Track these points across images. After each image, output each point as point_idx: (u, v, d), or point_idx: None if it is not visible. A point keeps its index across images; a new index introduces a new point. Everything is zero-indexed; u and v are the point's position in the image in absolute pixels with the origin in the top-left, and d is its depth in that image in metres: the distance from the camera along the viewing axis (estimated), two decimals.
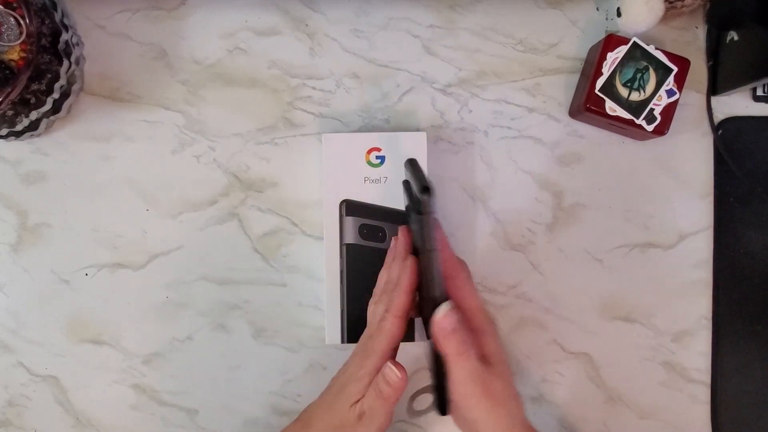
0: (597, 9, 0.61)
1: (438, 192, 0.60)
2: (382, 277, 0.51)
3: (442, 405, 0.46)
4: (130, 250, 0.60)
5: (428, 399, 0.47)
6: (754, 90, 0.61)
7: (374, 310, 0.49)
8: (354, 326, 0.56)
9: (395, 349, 0.48)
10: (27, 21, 0.50)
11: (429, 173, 0.56)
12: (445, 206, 0.60)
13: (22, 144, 0.60)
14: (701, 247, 0.61)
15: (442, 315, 0.43)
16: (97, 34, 0.60)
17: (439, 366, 0.45)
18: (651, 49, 0.56)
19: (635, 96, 0.56)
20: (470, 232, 0.61)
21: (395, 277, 0.47)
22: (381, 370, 0.46)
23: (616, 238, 0.61)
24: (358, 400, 0.46)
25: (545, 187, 0.61)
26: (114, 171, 0.60)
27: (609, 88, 0.56)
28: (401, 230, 0.49)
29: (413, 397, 0.49)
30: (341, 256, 0.56)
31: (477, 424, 0.45)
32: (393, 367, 0.46)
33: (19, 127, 0.56)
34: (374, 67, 0.61)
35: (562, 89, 0.61)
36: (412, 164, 0.47)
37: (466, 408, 0.45)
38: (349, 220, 0.56)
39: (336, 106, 0.61)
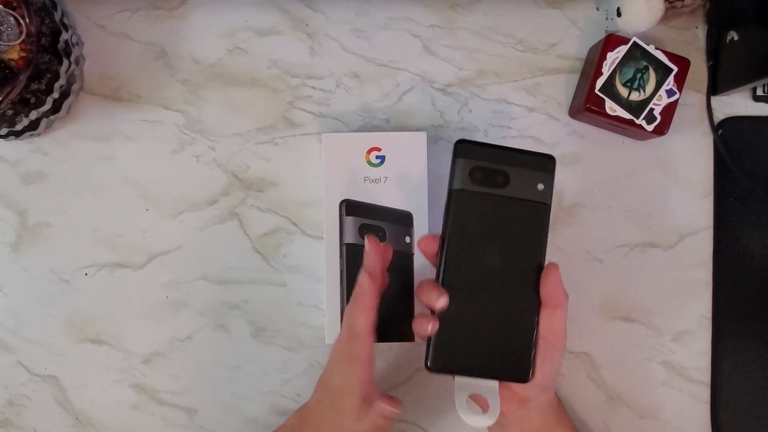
0: (597, 9, 0.61)
1: (438, 192, 0.60)
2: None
3: (527, 368, 0.44)
4: (130, 250, 0.60)
5: (481, 402, 0.45)
6: (754, 90, 0.61)
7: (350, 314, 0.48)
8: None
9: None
10: (27, 20, 0.50)
11: (429, 174, 0.56)
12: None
13: (21, 144, 0.60)
14: (701, 247, 0.61)
15: (555, 264, 0.44)
16: (97, 34, 0.60)
17: (525, 329, 0.44)
18: (651, 49, 0.56)
19: (635, 96, 0.56)
20: None
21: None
22: (376, 406, 0.46)
23: (616, 238, 0.61)
24: (358, 415, 0.46)
25: None
26: (114, 171, 0.60)
27: (609, 88, 0.56)
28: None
29: (464, 402, 0.45)
30: (341, 256, 0.56)
31: (555, 376, 0.46)
32: (387, 406, 0.46)
33: (18, 127, 0.56)
34: (374, 66, 0.61)
35: (562, 89, 0.61)
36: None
37: (554, 360, 0.44)
38: (349, 220, 0.56)
39: (336, 106, 0.61)
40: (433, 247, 0.45)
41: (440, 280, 0.44)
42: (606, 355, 0.61)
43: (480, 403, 0.44)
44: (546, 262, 0.45)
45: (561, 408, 0.53)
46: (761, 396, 0.60)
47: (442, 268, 0.44)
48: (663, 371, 0.60)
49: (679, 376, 0.60)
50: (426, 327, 0.43)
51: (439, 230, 0.60)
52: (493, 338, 0.44)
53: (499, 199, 0.44)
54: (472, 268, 0.44)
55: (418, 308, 0.56)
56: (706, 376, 0.60)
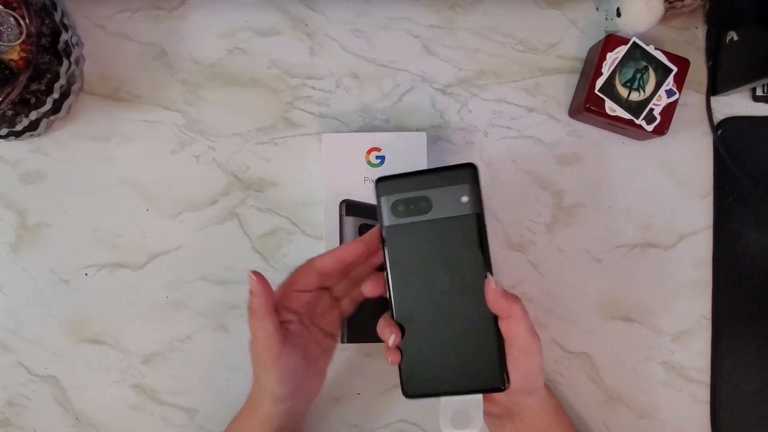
0: (597, 9, 0.61)
1: None
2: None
3: (499, 376, 0.44)
4: (130, 250, 0.60)
5: (466, 414, 0.45)
6: (754, 90, 0.61)
7: None
8: (354, 326, 0.56)
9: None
10: (27, 21, 0.50)
11: None
12: None
13: (21, 144, 0.60)
14: (701, 247, 0.61)
15: (496, 281, 0.44)
16: (97, 34, 0.60)
17: (489, 341, 0.44)
18: (651, 49, 0.56)
19: (635, 96, 0.56)
20: None
21: None
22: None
23: (616, 238, 0.61)
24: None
25: (545, 187, 0.61)
26: (114, 171, 0.60)
27: (609, 88, 0.56)
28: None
29: (448, 420, 0.45)
30: None
31: (536, 379, 0.46)
32: (251, 275, 0.47)
33: (18, 127, 0.56)
34: (374, 67, 0.61)
35: (561, 89, 0.61)
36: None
37: (528, 364, 0.45)
38: (349, 220, 0.56)
39: (336, 106, 0.61)
40: (378, 288, 0.47)
41: (393, 315, 0.45)
42: (606, 355, 0.61)
43: (463, 419, 0.45)
44: (488, 273, 0.45)
45: (558, 409, 0.53)
46: (761, 396, 0.60)
47: (392, 303, 0.45)
48: (663, 371, 0.61)
49: (679, 376, 0.60)
50: (389, 359, 0.45)
51: None
52: (459, 355, 0.45)
53: (427, 225, 0.45)
54: (422, 294, 0.45)
55: None
56: (706, 377, 0.60)
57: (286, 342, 0.47)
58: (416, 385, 0.45)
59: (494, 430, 0.52)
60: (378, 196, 0.45)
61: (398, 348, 0.45)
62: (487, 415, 0.50)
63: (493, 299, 0.43)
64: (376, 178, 0.46)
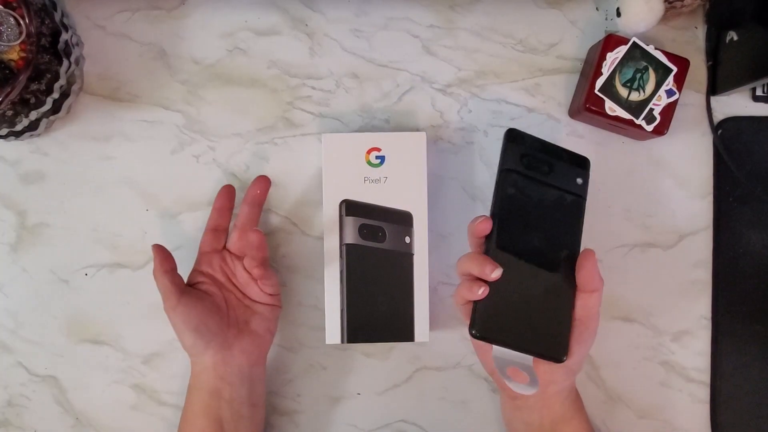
0: (597, 9, 0.61)
1: (438, 192, 0.60)
2: None
3: (563, 348, 0.46)
4: (130, 250, 0.60)
5: (519, 374, 0.47)
6: (754, 90, 0.61)
7: None
8: (354, 326, 0.56)
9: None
10: (27, 21, 0.50)
11: (428, 174, 0.56)
12: (445, 206, 0.60)
13: (21, 144, 0.60)
14: (701, 247, 0.61)
15: (591, 251, 0.47)
16: (97, 34, 0.60)
17: (564, 311, 0.47)
18: (650, 49, 0.56)
19: (635, 96, 0.56)
20: None
21: None
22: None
23: (616, 238, 0.61)
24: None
25: None
26: (113, 171, 0.60)
27: (608, 88, 0.56)
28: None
29: (506, 371, 0.47)
30: (341, 256, 0.56)
31: (582, 362, 0.49)
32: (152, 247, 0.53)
33: (18, 127, 0.56)
34: (374, 67, 0.61)
35: (561, 89, 0.61)
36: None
37: (585, 344, 0.47)
38: (349, 220, 0.56)
39: (336, 106, 0.61)
40: (488, 226, 0.47)
41: (489, 252, 0.47)
42: (606, 355, 0.61)
43: (518, 376, 0.46)
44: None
45: (578, 398, 0.53)
46: (761, 396, 0.60)
47: (493, 241, 0.47)
48: (662, 371, 0.61)
49: (679, 376, 0.60)
50: (476, 291, 0.45)
51: (438, 230, 0.61)
52: (533, 316, 0.47)
53: (546, 187, 0.49)
54: (520, 246, 0.47)
55: (417, 308, 0.56)
56: (706, 376, 0.60)
57: (185, 296, 0.52)
58: (485, 327, 0.46)
59: (514, 415, 0.53)
60: (508, 141, 0.49)
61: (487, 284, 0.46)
62: (519, 398, 0.51)
63: (590, 271, 0.46)
64: (509, 128, 0.50)
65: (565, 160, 0.50)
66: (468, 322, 0.47)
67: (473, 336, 0.46)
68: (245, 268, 0.56)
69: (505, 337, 0.46)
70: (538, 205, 0.49)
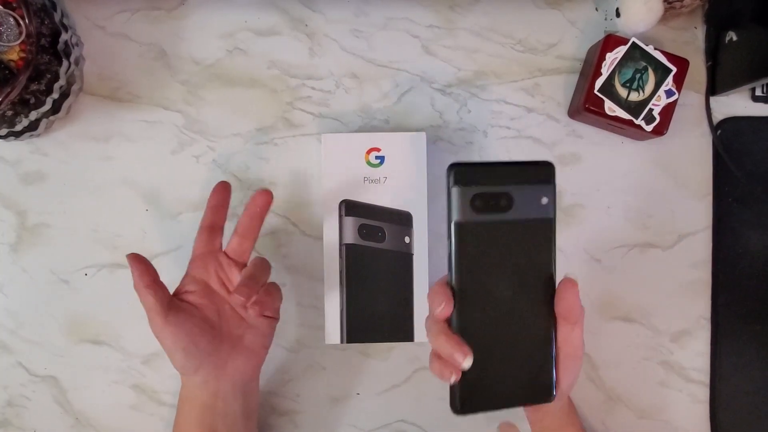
0: (596, 9, 0.61)
1: (438, 192, 0.60)
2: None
3: (551, 387, 0.43)
4: (130, 250, 0.60)
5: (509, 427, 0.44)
6: (753, 90, 0.61)
7: None
8: (353, 326, 0.56)
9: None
10: (26, 21, 0.50)
11: (428, 174, 0.56)
12: (445, 206, 0.60)
13: (21, 144, 0.60)
14: (700, 247, 0.61)
15: (572, 280, 0.43)
16: (97, 34, 0.60)
17: (545, 351, 0.43)
18: (650, 49, 0.56)
19: (634, 96, 0.56)
20: None
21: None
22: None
23: (615, 238, 0.61)
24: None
25: None
26: (113, 171, 0.60)
27: (608, 89, 0.56)
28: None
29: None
30: (341, 256, 0.56)
31: (572, 387, 0.46)
32: (127, 258, 0.50)
33: (18, 128, 0.56)
34: (373, 67, 0.61)
35: (561, 89, 0.61)
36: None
37: (573, 371, 0.44)
38: (349, 220, 0.56)
39: (335, 107, 0.61)
40: (448, 308, 0.41)
41: (454, 326, 0.41)
42: (605, 355, 0.61)
43: (507, 429, 0.44)
44: (557, 274, 0.43)
45: (571, 408, 0.53)
46: (760, 396, 0.60)
47: (455, 315, 0.41)
48: (662, 371, 0.61)
49: (678, 377, 0.60)
50: (448, 377, 0.41)
51: (438, 230, 0.60)
52: (514, 367, 0.42)
53: (504, 225, 0.41)
54: (485, 303, 0.42)
55: (417, 308, 0.56)
56: (705, 377, 0.60)
57: (173, 312, 0.48)
58: (471, 401, 0.42)
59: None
60: (453, 185, 0.40)
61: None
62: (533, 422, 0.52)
63: (571, 301, 0.42)
64: (449, 163, 0.41)
65: (524, 179, 0.41)
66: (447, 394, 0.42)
67: (459, 414, 0.42)
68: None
69: (490, 403, 0.43)
70: (500, 249, 0.41)
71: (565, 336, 0.43)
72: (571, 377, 0.45)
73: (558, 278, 0.43)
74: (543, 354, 0.43)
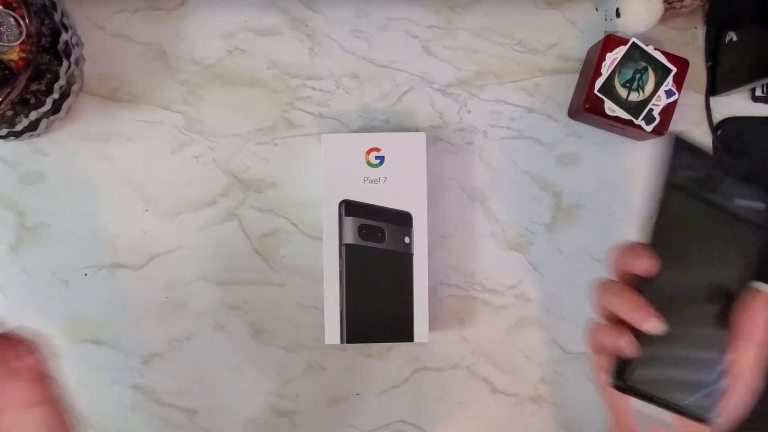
0: (596, 9, 0.61)
1: (438, 192, 0.60)
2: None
3: (713, 408, 0.39)
4: (130, 251, 0.60)
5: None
6: (753, 90, 0.61)
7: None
8: (353, 326, 0.56)
9: None
10: (27, 21, 0.50)
11: (428, 173, 0.56)
12: (444, 207, 0.60)
13: (21, 144, 0.60)
14: None
15: (760, 292, 0.38)
16: (97, 35, 0.60)
17: (715, 358, 0.38)
18: (650, 49, 0.56)
19: (634, 96, 0.56)
20: (469, 233, 0.61)
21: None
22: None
23: (616, 238, 0.61)
24: None
25: (544, 188, 0.61)
26: (113, 171, 0.60)
27: (608, 89, 0.56)
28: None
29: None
30: (341, 257, 0.56)
31: (731, 424, 0.40)
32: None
33: (18, 128, 0.56)
34: (373, 67, 0.61)
35: (561, 90, 0.61)
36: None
37: (737, 405, 0.39)
38: (349, 221, 0.56)
39: (335, 107, 0.61)
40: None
41: (646, 293, 0.38)
42: None
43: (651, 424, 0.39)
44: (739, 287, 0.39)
45: None
46: (760, 396, 0.60)
47: (653, 279, 0.38)
48: None
49: None
50: (622, 345, 0.37)
51: (437, 230, 0.60)
52: (683, 369, 0.38)
53: (714, 210, 0.38)
54: (677, 284, 0.38)
55: (417, 309, 0.56)
56: None
57: None
58: (635, 376, 0.38)
59: None
60: (676, 151, 0.38)
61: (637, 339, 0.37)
62: None
63: (755, 315, 0.37)
64: (676, 137, 0.38)
65: (739, 177, 0.39)
66: (600, 365, 0.39)
67: (617, 387, 0.38)
68: None
69: (654, 392, 0.38)
70: (710, 228, 0.39)
71: (741, 354, 0.38)
72: (733, 408, 0.39)
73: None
74: (713, 366, 0.39)
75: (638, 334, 0.37)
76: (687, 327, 0.38)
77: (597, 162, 0.61)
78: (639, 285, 0.38)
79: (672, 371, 0.38)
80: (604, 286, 0.39)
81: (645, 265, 0.37)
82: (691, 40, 0.61)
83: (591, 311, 0.61)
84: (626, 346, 0.36)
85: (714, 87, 0.60)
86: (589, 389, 0.60)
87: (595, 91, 0.56)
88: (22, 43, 0.50)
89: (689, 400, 0.38)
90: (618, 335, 0.36)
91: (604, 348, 0.38)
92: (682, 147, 0.39)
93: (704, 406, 0.38)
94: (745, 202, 0.39)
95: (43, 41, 0.52)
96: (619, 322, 0.37)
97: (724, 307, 0.38)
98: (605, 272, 0.61)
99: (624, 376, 0.37)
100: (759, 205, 0.39)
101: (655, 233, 0.39)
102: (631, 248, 0.38)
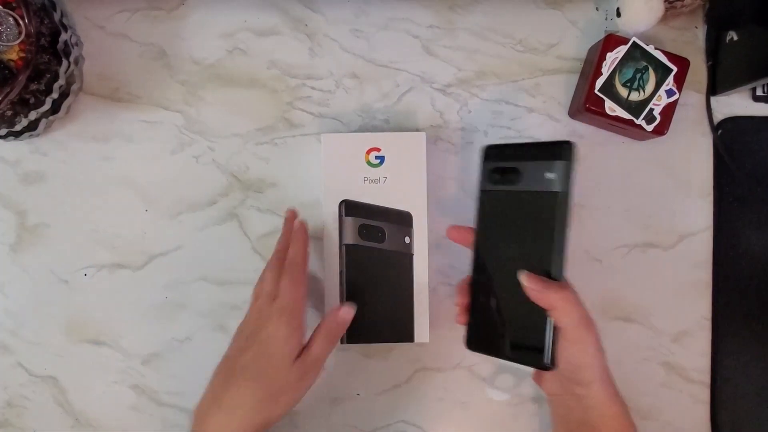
0: (596, 9, 0.61)
1: (438, 192, 0.60)
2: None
3: (550, 358, 0.45)
4: (130, 251, 0.60)
5: (507, 379, 0.49)
6: (754, 90, 0.61)
7: (264, 279, 0.53)
8: (354, 326, 0.56)
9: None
10: (26, 21, 0.50)
11: (429, 173, 0.56)
12: (445, 206, 0.60)
13: (21, 144, 0.60)
14: (701, 248, 0.61)
15: (529, 276, 0.45)
16: (97, 34, 0.60)
17: (539, 320, 0.45)
18: (650, 49, 0.56)
19: (635, 96, 0.56)
20: None
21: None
22: (329, 314, 0.52)
23: (616, 238, 0.61)
24: (299, 355, 0.49)
25: None
26: (113, 171, 0.60)
27: (608, 88, 0.56)
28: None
29: (492, 379, 0.50)
30: (341, 257, 0.56)
31: (581, 371, 0.46)
32: (346, 306, 0.52)
33: (18, 127, 0.56)
34: (374, 67, 0.61)
35: (561, 89, 0.61)
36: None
37: (572, 354, 0.45)
38: (349, 221, 0.56)
39: (335, 107, 0.61)
40: (463, 235, 0.49)
41: (472, 278, 0.49)
42: (606, 355, 0.60)
43: (507, 383, 0.48)
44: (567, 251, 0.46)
45: (611, 408, 0.48)
46: (761, 396, 0.60)
47: (472, 262, 0.49)
48: (663, 372, 0.60)
49: (679, 377, 0.60)
50: (457, 317, 0.49)
51: (438, 230, 0.60)
52: (516, 327, 0.46)
53: (513, 194, 0.47)
54: (497, 262, 0.47)
55: (417, 309, 0.56)
56: (706, 377, 0.60)
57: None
58: (477, 342, 0.48)
59: (555, 407, 0.51)
60: (482, 161, 0.48)
61: (467, 310, 0.48)
62: (547, 392, 0.52)
63: (529, 295, 0.44)
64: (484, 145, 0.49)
65: (534, 157, 0.46)
66: None
67: (469, 349, 0.48)
68: None
69: (495, 350, 0.47)
70: (510, 216, 0.47)
71: (554, 317, 0.45)
72: (567, 358, 0.45)
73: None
74: (539, 324, 0.45)
75: (475, 306, 0.48)
76: (514, 293, 0.46)
77: (597, 162, 0.61)
78: (470, 276, 0.49)
79: (509, 332, 0.47)
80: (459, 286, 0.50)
81: (452, 234, 0.50)
82: (691, 40, 0.61)
83: (591, 311, 0.61)
84: (457, 317, 0.48)
85: (714, 86, 0.60)
86: None
87: (596, 91, 0.56)
88: (22, 42, 0.50)
89: (524, 353, 0.46)
90: (458, 313, 0.49)
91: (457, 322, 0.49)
92: (486, 154, 0.48)
93: (537, 355, 0.45)
94: (543, 176, 0.45)
95: (42, 41, 0.52)
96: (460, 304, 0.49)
97: (541, 271, 0.45)
98: (605, 272, 0.61)
99: (469, 341, 0.48)
100: (551, 174, 0.45)
101: (476, 235, 0.49)
102: (450, 229, 0.50)
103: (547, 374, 0.50)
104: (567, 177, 0.44)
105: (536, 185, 0.46)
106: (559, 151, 0.45)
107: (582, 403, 0.48)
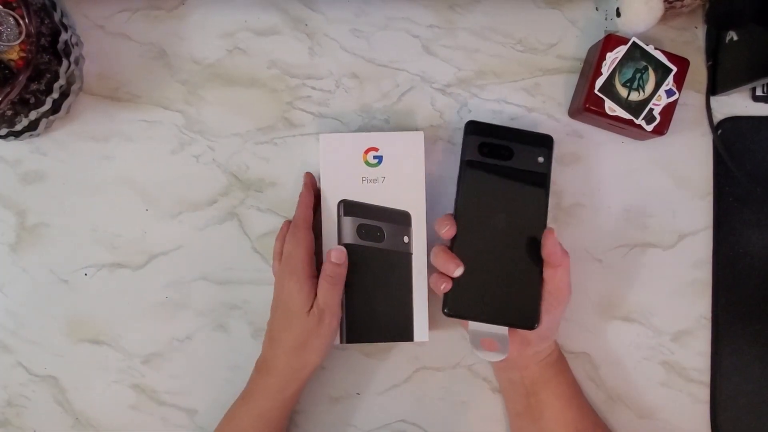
0: (596, 9, 0.61)
1: (438, 192, 0.60)
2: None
3: (534, 317, 0.51)
4: (130, 250, 0.60)
5: (491, 344, 0.51)
6: (754, 90, 0.61)
7: (277, 245, 0.57)
8: (353, 326, 0.56)
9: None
10: (26, 21, 0.50)
11: (428, 173, 0.56)
12: (444, 206, 0.60)
13: (21, 144, 0.60)
14: (700, 247, 0.61)
15: (551, 229, 0.51)
16: (97, 34, 0.60)
17: (532, 284, 0.51)
18: (650, 49, 0.56)
19: (634, 96, 0.56)
20: None
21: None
22: (325, 259, 0.54)
23: (616, 237, 0.61)
24: (312, 305, 0.53)
25: None
26: (113, 171, 0.60)
27: (608, 88, 0.56)
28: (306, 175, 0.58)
29: (478, 342, 0.51)
30: None
31: (552, 331, 0.53)
32: (335, 249, 0.54)
33: (18, 127, 0.56)
34: (373, 67, 0.61)
35: (561, 89, 0.61)
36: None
37: (554, 312, 0.52)
38: (348, 220, 0.56)
39: (335, 106, 0.61)
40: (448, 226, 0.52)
41: (453, 247, 0.51)
42: (606, 355, 0.61)
43: (490, 345, 0.51)
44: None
45: (559, 364, 0.56)
46: (761, 396, 0.60)
47: (458, 235, 0.51)
48: (662, 371, 0.60)
49: (679, 377, 0.60)
50: (440, 286, 0.51)
51: (434, 229, 0.60)
52: (503, 292, 0.51)
53: (505, 169, 0.52)
54: (484, 232, 0.52)
55: (416, 308, 0.56)
56: (706, 377, 0.60)
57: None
58: (455, 306, 0.51)
59: (500, 374, 0.58)
60: (466, 134, 0.53)
61: (451, 278, 0.51)
62: (497, 367, 0.57)
63: (552, 247, 0.50)
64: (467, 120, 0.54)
65: (525, 141, 0.53)
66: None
67: (445, 314, 0.51)
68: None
69: (476, 313, 0.51)
70: (500, 189, 0.52)
71: (551, 277, 0.51)
72: (552, 317, 0.51)
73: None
74: (530, 287, 0.51)
75: (464, 272, 0.51)
76: (502, 262, 0.51)
77: (597, 162, 0.61)
78: (450, 244, 0.52)
79: (494, 296, 0.51)
80: (432, 251, 0.52)
81: (445, 230, 0.51)
82: (691, 40, 0.61)
83: (591, 310, 0.61)
84: (441, 287, 0.51)
85: (714, 86, 0.60)
86: (589, 389, 0.60)
87: (596, 91, 0.56)
88: (22, 42, 0.50)
89: (513, 315, 0.51)
90: (437, 280, 0.51)
91: (438, 289, 0.52)
92: (473, 129, 0.53)
93: (526, 317, 0.51)
94: (536, 159, 0.53)
95: (42, 41, 0.52)
96: (440, 275, 0.52)
97: (531, 241, 0.51)
98: (605, 272, 0.61)
99: (450, 306, 0.51)
100: (539, 158, 0.53)
101: (459, 203, 0.52)
102: (439, 219, 0.52)
103: (515, 334, 0.53)
104: (550, 163, 0.53)
105: (528, 165, 0.53)
106: (547, 141, 0.54)
107: (537, 365, 0.54)
